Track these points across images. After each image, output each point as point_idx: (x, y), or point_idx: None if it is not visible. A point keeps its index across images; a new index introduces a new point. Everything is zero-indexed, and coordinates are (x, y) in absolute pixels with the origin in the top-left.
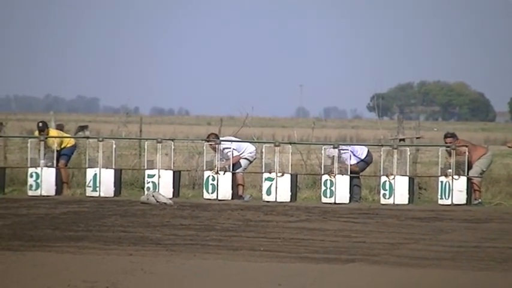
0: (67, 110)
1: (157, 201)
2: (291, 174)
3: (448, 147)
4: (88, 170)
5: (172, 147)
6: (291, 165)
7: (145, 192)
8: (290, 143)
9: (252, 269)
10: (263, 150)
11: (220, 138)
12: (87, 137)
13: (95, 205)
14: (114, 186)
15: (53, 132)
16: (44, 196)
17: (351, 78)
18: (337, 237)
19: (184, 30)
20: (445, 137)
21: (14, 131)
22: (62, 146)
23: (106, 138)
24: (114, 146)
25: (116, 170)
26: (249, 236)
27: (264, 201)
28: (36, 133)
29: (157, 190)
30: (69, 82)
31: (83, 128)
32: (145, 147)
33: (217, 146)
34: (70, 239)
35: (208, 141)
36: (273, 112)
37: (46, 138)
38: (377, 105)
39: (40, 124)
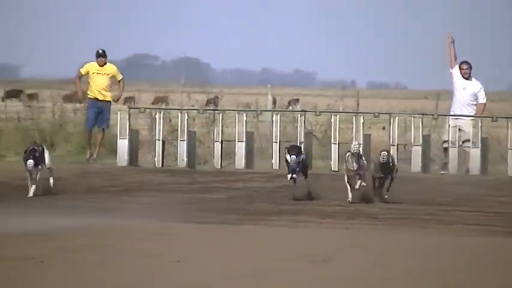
0: (281, 83)
1: None
2: None
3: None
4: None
5: (393, 121)
6: None
7: None
8: None
9: (465, 244)
10: None
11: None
12: (304, 111)
13: (311, 179)
14: (331, 160)
15: None
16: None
17: None
18: None
19: None
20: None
21: (230, 105)
22: None
23: (323, 112)
24: (332, 119)
25: (334, 144)
26: (463, 210)
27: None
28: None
29: None
30: (287, 56)
31: (295, 101)
32: (361, 121)
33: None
34: (286, 212)
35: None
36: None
37: None
38: None
39: (100, 51)
